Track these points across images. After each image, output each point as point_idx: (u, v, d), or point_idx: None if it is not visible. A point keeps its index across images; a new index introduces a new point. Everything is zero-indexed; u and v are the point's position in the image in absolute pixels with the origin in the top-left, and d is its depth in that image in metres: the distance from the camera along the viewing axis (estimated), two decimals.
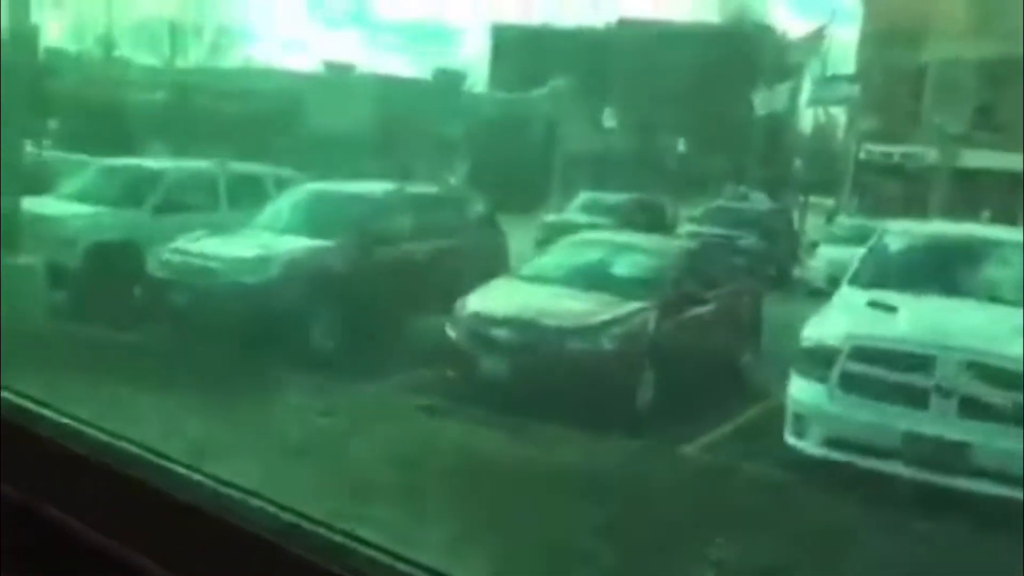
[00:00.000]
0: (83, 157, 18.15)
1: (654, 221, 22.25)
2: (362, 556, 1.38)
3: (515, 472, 6.28)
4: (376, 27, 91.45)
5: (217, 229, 9.98)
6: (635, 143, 62.51)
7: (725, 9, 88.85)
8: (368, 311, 9.59)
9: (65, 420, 1.85)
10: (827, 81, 36.59)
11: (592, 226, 19.70)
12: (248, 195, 12.01)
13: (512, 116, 56.46)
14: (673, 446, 7.42)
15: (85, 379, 7.96)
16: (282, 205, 10.53)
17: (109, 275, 10.08)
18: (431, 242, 10.47)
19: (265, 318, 8.70)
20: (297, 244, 9.31)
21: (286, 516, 1.46)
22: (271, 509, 1.49)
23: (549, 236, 18.46)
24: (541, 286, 8.75)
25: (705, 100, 73.60)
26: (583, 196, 22.27)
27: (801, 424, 6.35)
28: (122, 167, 12.28)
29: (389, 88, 49.35)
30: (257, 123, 39.80)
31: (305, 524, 1.44)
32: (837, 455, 6.02)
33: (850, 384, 6.16)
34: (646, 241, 10.66)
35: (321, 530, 1.43)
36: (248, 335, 8.49)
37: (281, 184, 12.55)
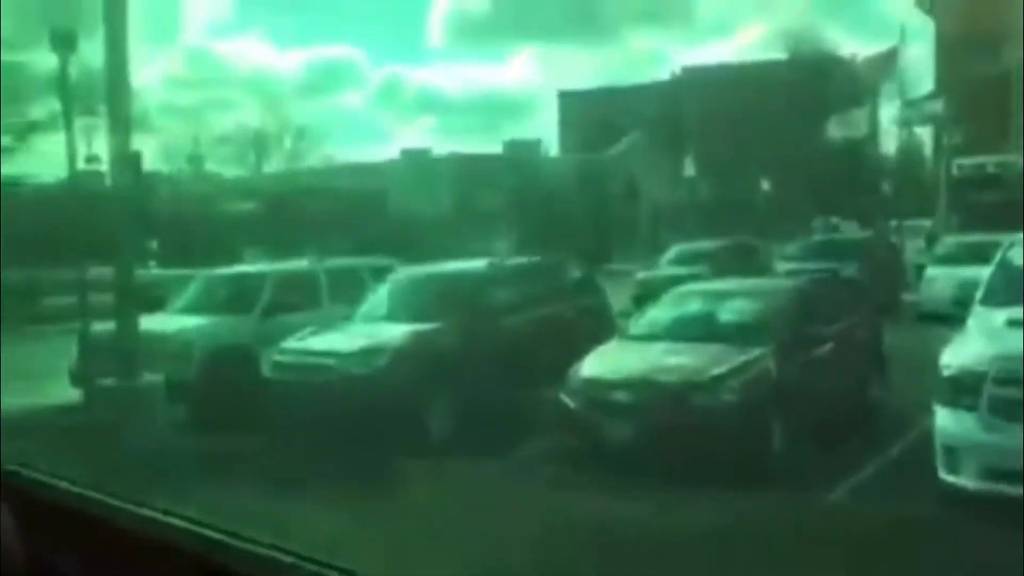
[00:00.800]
0: (186, 271, 18.69)
1: (750, 264, 21.84)
2: None
3: (661, 539, 6.05)
4: (447, 109, 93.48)
5: (323, 325, 10.10)
6: (716, 188, 61.90)
7: (787, 44, 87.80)
8: (481, 389, 9.52)
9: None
10: (912, 100, 35.76)
11: (688, 277, 19.47)
12: (348, 288, 12.17)
13: (590, 176, 56.64)
14: (818, 495, 7.07)
15: (214, 489, 8.07)
16: (383, 293, 10.62)
17: (225, 383, 10.26)
18: (535, 312, 10.40)
19: (381, 408, 8.70)
20: (403, 330, 9.33)
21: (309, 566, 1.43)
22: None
23: (645, 292, 18.27)
24: (652, 344, 8.57)
25: (782, 136, 72.68)
26: (675, 248, 21.99)
27: (954, 457, 5.98)
28: (226, 276, 12.61)
29: (466, 166, 50.20)
30: (344, 217, 40.84)
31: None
32: (1000, 487, 5.63)
33: (1002, 409, 5.79)
34: (750, 285, 10.39)
35: None
36: (366, 427, 8.49)
37: (377, 273, 12.70)
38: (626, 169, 58.44)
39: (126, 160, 8.36)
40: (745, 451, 7.37)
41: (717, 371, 7.48)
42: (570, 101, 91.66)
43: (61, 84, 9.52)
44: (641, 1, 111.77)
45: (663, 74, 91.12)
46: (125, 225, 8.57)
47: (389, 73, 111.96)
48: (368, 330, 9.57)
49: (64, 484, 2.04)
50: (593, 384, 7.84)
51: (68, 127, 9.94)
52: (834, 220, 64.37)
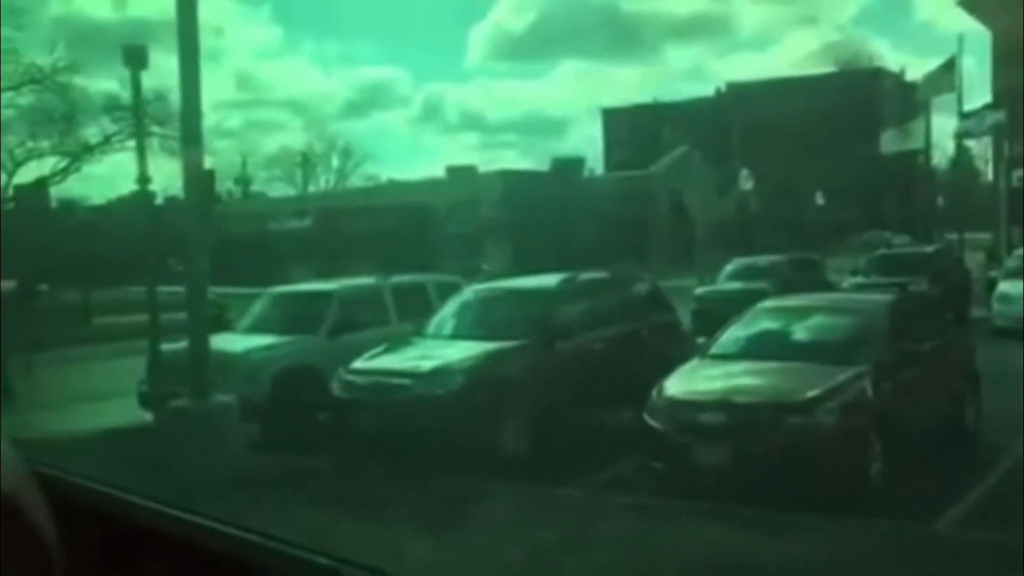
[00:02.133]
0: (245, 290, 18.62)
1: (813, 279, 21.36)
2: None
3: (766, 571, 5.74)
4: (489, 128, 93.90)
5: (391, 343, 9.90)
6: (764, 202, 61.17)
7: (834, 58, 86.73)
8: (556, 409, 9.27)
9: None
10: (970, 112, 35.02)
11: (748, 293, 19.08)
12: (414, 305, 11.98)
13: (636, 192, 56.24)
14: (924, 523, 6.72)
15: (294, 510, 7.88)
16: (453, 310, 10.41)
17: (295, 403, 10.11)
18: (609, 329, 10.13)
19: (456, 429, 8.47)
20: (477, 349, 9.10)
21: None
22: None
23: (705, 308, 17.90)
24: (737, 363, 8.26)
25: (831, 149, 71.73)
26: (734, 263, 21.57)
27: None
28: (292, 294, 12.48)
29: (513, 182, 50.06)
30: (393, 234, 40.86)
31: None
32: None
33: None
34: (837, 301, 10.03)
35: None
36: (441, 449, 8.27)
37: (442, 289, 12.50)
38: (672, 184, 57.99)
39: (199, 178, 8.24)
40: (843, 476, 7.04)
41: (813, 392, 7.16)
42: (613, 117, 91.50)
43: (134, 102, 9.44)
44: (679, 17, 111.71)
45: (703, 90, 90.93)
46: (196, 243, 8.44)
47: (431, 92, 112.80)
48: (440, 349, 9.35)
49: (94, 484, 2.00)
50: (680, 405, 7.54)
51: (140, 146, 9.85)
52: (886, 234, 63.41)
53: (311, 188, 62.73)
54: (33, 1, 31.04)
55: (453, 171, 62.29)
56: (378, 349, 9.66)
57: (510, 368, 9.06)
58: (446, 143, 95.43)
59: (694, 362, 8.45)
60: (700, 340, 8.88)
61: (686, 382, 7.88)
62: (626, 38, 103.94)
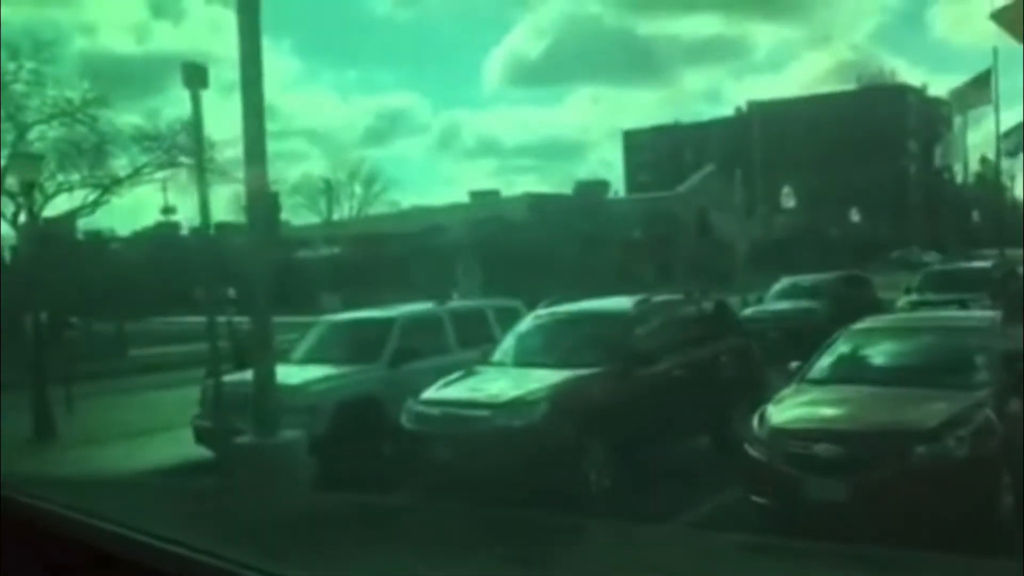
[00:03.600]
0: (292, 319, 18.18)
1: (864, 297, 20.76)
2: None
3: None
4: (506, 153, 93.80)
5: (461, 372, 9.40)
6: (792, 220, 60.38)
7: (861, 74, 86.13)
8: (638, 439, 8.73)
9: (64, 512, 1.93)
10: (1009, 130, 34.40)
11: (800, 312, 18.52)
12: (474, 331, 11.50)
13: (664, 213, 55.65)
14: None
15: (368, 553, 7.38)
16: (520, 336, 9.89)
17: (359, 437, 9.62)
18: (687, 353, 9.61)
19: (537, 462, 7.95)
20: (554, 377, 8.57)
21: None
22: None
23: (756, 328, 17.30)
24: (841, 388, 7.70)
25: (857, 167, 70.90)
26: (784, 281, 20.98)
27: None
28: (349, 322, 11.99)
29: (541, 205, 49.65)
30: (419, 260, 40.45)
31: None
32: None
33: None
34: (947, 320, 9.43)
35: None
36: (523, 482, 7.75)
37: (501, 315, 12.02)
38: (699, 204, 57.51)
39: (262, 201, 7.79)
40: (974, 510, 6.46)
41: (939, 418, 6.60)
42: (634, 139, 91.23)
43: (195, 121, 9.02)
44: (694, 40, 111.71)
45: (719, 112, 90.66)
46: (260, 271, 7.97)
47: (449, 118, 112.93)
48: (514, 378, 8.82)
49: (53, 507, 2.08)
50: (788, 435, 6.99)
51: (201, 168, 9.41)
52: (915, 250, 62.60)
53: (335, 216, 62.55)
54: (59, 35, 30.96)
55: (477, 195, 61.96)
56: (450, 378, 9.15)
57: (592, 397, 8.54)
58: (464, 168, 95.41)
59: (793, 387, 7.90)
60: (793, 364, 8.31)
61: (791, 410, 7.33)
62: (641, 62, 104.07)
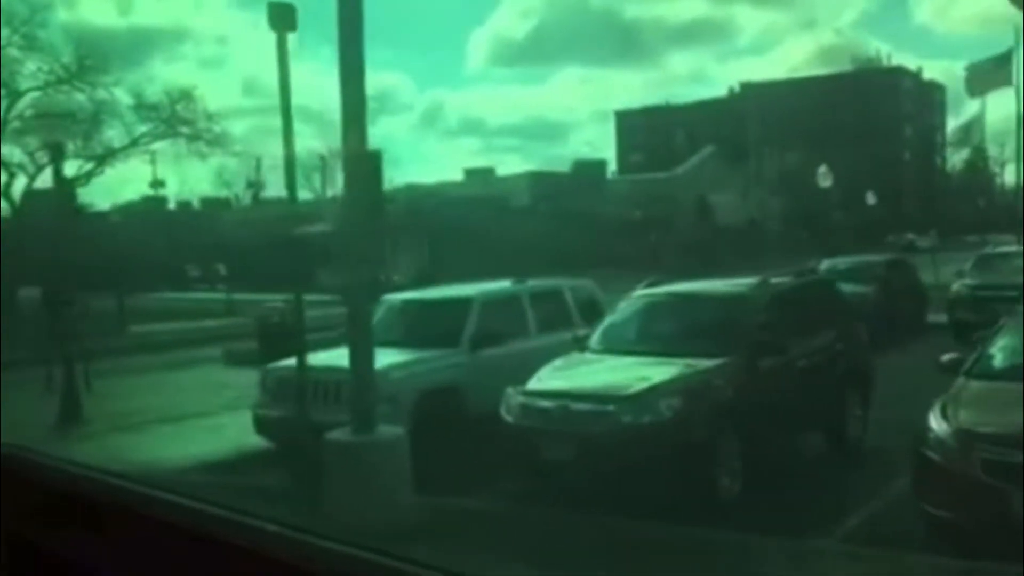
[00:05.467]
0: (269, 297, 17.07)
1: (910, 280, 20.02)
2: None
3: None
4: (489, 132, 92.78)
5: (565, 359, 8.45)
6: (791, 202, 59.75)
7: (856, 56, 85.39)
8: (767, 438, 7.85)
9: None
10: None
11: (852, 296, 17.67)
12: (552, 313, 10.57)
13: (661, 194, 54.78)
14: None
15: (492, 564, 6.47)
16: (623, 319, 8.94)
17: (439, 430, 8.66)
18: (810, 341, 8.72)
19: (665, 464, 7.05)
20: (678, 368, 7.63)
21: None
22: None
23: None
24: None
25: (852, 149, 70.22)
26: (826, 263, 20.15)
27: None
28: (422, 301, 10.91)
29: (543, 184, 48.63)
30: (427, 237, 39.32)
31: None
32: None
33: None
34: None
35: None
36: (653, 486, 6.87)
37: (577, 295, 11.10)
38: (697, 186, 56.74)
39: (364, 163, 6.79)
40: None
41: None
42: (626, 120, 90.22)
43: (281, 70, 7.97)
44: (679, 22, 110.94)
45: (703, 93, 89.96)
46: (366, 244, 6.98)
47: (433, 98, 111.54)
48: (630, 367, 7.88)
49: (54, 462, 2.10)
50: (980, 439, 6.10)
51: (288, 121, 8.28)
52: (909, 235, 62.21)
53: (328, 192, 61.26)
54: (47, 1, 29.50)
55: (472, 173, 60.83)
56: (555, 365, 8.21)
57: (722, 390, 7.63)
58: (448, 148, 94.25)
59: (960, 381, 7.01)
60: (947, 357, 7.41)
61: (977, 409, 6.44)
62: (627, 43, 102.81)
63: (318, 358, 9.60)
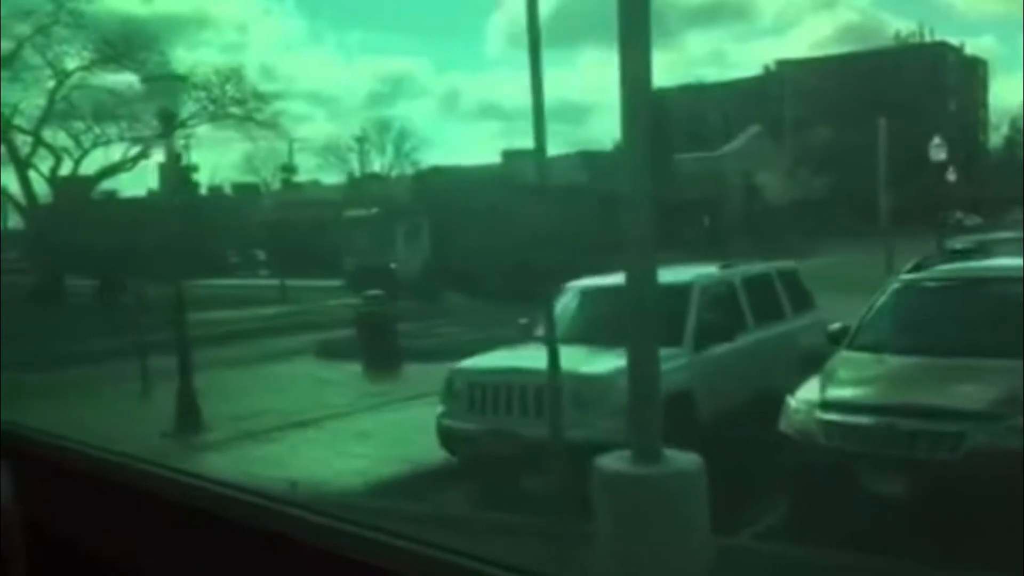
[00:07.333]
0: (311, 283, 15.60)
1: None
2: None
3: None
4: (508, 115, 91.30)
5: (833, 361, 6.90)
6: (836, 182, 58.19)
7: (897, 32, 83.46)
8: None
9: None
10: None
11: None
12: (764, 302, 9.04)
13: (711, 173, 53.28)
14: None
15: None
16: (906, 309, 7.29)
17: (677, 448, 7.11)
18: None
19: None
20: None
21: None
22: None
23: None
24: None
25: (895, 127, 68.40)
26: (958, 242, 18.57)
27: None
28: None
29: (595, 165, 46.96)
30: (474, 220, 37.78)
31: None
32: None
33: None
34: None
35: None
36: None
37: (785, 280, 9.57)
38: (745, 165, 55.17)
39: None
40: None
41: None
42: (658, 100, 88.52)
43: None
44: (697, 4, 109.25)
45: (723, 75, 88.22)
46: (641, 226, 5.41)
47: (451, 82, 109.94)
48: (950, 374, 6.30)
49: (64, 440, 2.07)
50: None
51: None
52: (958, 214, 60.53)
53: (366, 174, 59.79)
54: None
55: (510, 155, 59.29)
56: (833, 367, 6.66)
57: None
58: (468, 131, 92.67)
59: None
60: None
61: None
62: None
63: (510, 358, 8.14)
